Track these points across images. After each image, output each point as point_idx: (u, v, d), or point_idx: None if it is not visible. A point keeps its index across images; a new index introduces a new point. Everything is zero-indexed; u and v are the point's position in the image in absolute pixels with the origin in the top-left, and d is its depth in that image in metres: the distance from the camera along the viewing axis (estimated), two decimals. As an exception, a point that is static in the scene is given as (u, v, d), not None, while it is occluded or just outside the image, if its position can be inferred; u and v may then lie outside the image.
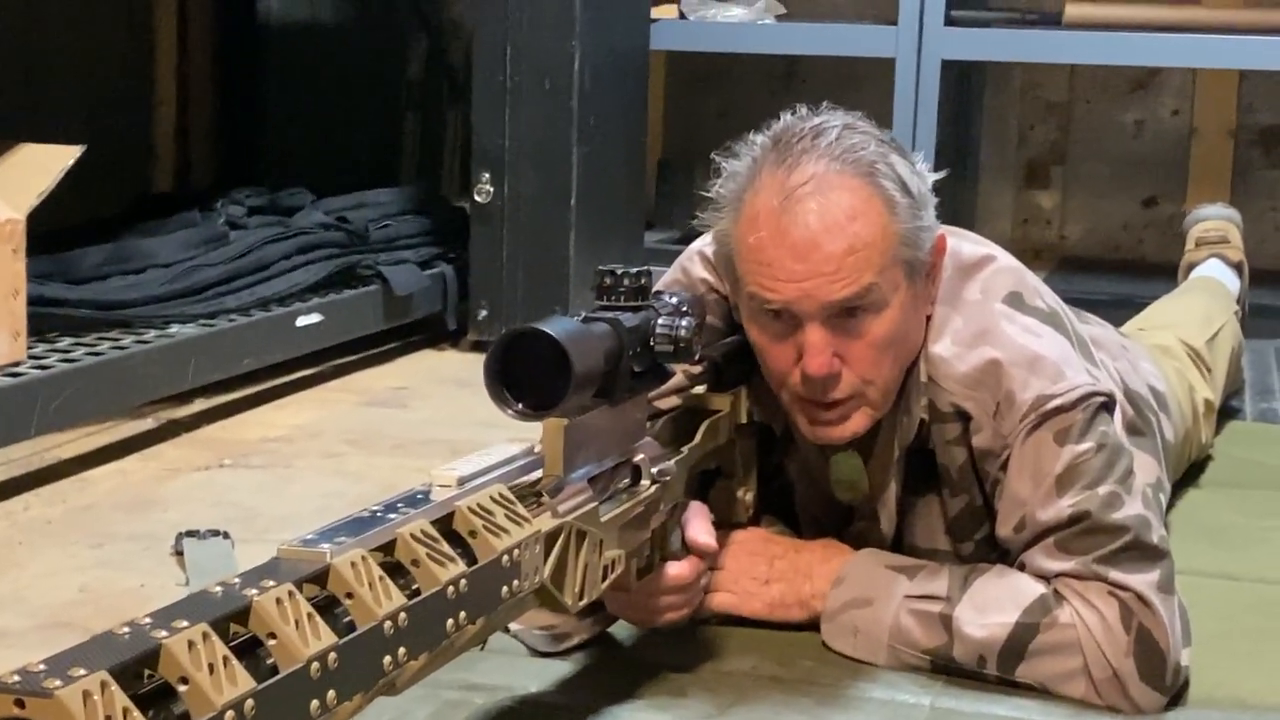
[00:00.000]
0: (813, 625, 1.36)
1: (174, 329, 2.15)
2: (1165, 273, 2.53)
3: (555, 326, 1.06)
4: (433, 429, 2.19)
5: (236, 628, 0.74)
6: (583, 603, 1.11)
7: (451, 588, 0.88)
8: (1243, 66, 3.16)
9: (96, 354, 1.99)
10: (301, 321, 2.33)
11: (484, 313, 2.59)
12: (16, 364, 1.89)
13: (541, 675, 1.31)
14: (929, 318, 1.34)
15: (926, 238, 1.26)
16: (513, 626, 1.27)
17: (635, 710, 1.27)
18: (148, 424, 2.15)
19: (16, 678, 0.65)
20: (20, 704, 0.65)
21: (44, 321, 2.03)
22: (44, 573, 1.64)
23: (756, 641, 1.38)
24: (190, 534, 1.70)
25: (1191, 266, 2.32)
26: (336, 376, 2.50)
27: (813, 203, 1.21)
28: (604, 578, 1.14)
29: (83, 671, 0.65)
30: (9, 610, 1.53)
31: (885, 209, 1.22)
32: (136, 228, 2.37)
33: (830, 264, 1.20)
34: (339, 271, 2.46)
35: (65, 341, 2.02)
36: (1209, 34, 2.94)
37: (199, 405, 2.21)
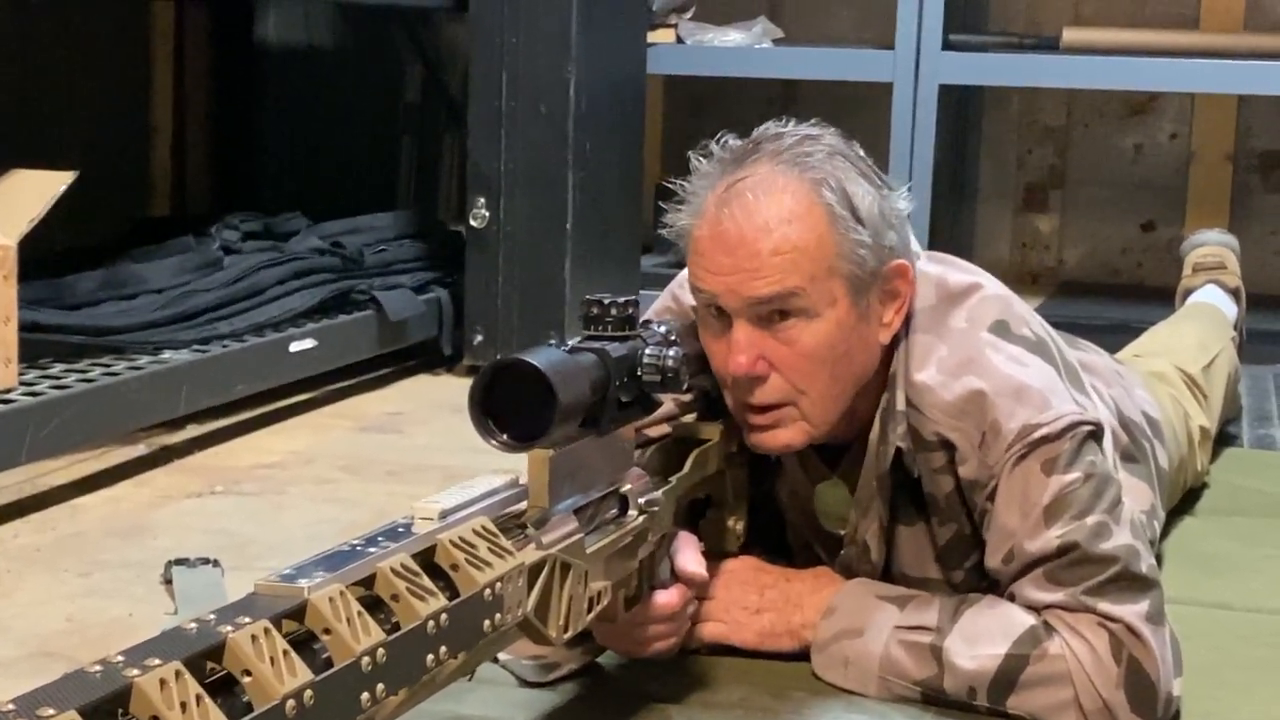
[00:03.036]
0: (804, 655, 1.35)
1: (167, 355, 2.14)
2: (1163, 297, 2.52)
3: (540, 357, 1.06)
4: (427, 455, 2.19)
5: (212, 665, 0.73)
6: (567, 635, 1.10)
7: (432, 623, 0.88)
8: (1241, 91, 3.17)
9: (88, 380, 1.98)
10: (295, 347, 2.32)
11: (479, 338, 2.59)
12: (8, 391, 1.88)
13: (530, 707, 1.29)
14: (907, 345, 1.34)
15: (871, 257, 1.25)
16: (501, 656, 1.26)
17: None
18: (140, 450, 2.14)
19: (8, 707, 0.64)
20: None
21: (36, 347, 2.02)
22: (31, 601, 1.63)
23: (748, 672, 1.36)
24: (180, 562, 1.69)
25: (1188, 292, 2.32)
26: (330, 402, 2.50)
27: (748, 199, 1.22)
28: (590, 609, 1.13)
29: (51, 712, 0.64)
30: None
31: (825, 218, 1.22)
32: (130, 253, 2.37)
33: (754, 260, 1.21)
34: (333, 297, 2.46)
35: (57, 368, 2.01)
36: (1207, 59, 2.95)
37: (191, 431, 2.21)
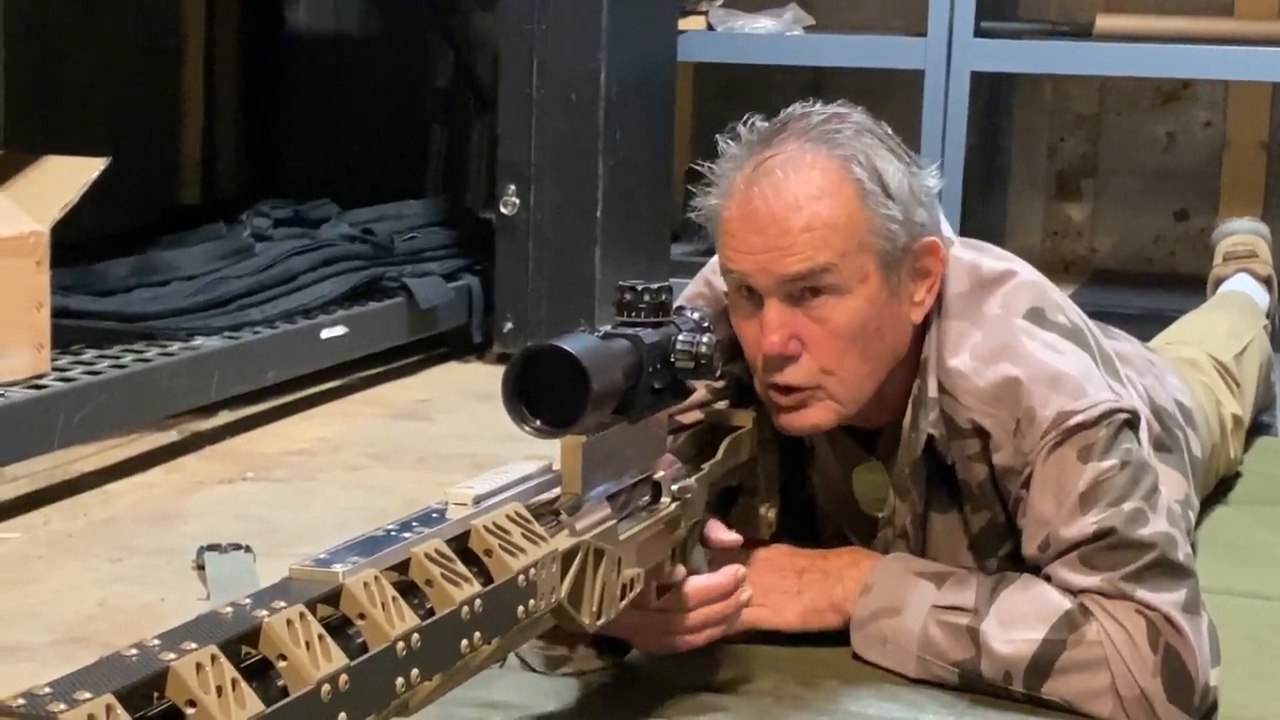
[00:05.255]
0: (838, 639, 1.34)
1: (198, 341, 2.15)
2: (1197, 286, 2.52)
3: (574, 343, 1.05)
4: (457, 443, 2.19)
5: (247, 649, 0.73)
6: (600, 622, 1.09)
7: (466, 608, 0.88)
8: (1276, 79, 3.14)
9: (120, 366, 2.00)
10: (326, 334, 2.33)
11: (509, 325, 2.59)
12: (40, 376, 1.90)
13: (560, 695, 1.29)
14: (939, 332, 1.33)
15: (902, 232, 1.25)
16: (521, 654, 1.28)
17: None
18: (171, 436, 2.15)
19: (21, 701, 0.64)
20: None
21: (68, 334, 2.04)
22: (62, 587, 1.64)
23: (780, 660, 1.36)
24: (211, 548, 1.69)
25: (1220, 281, 2.30)
26: (360, 389, 2.49)
27: (778, 177, 1.22)
28: (622, 596, 1.13)
29: (88, 695, 0.64)
30: (26, 625, 1.54)
31: (855, 194, 1.22)
32: (162, 240, 2.40)
33: (786, 238, 1.21)
34: (364, 284, 2.46)
35: (90, 354, 2.02)
36: (1242, 46, 2.93)
37: (223, 418, 2.21)
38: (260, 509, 1.90)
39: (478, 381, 2.56)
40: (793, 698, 1.32)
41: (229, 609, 0.76)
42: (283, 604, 0.75)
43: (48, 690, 0.64)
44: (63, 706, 0.62)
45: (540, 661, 1.32)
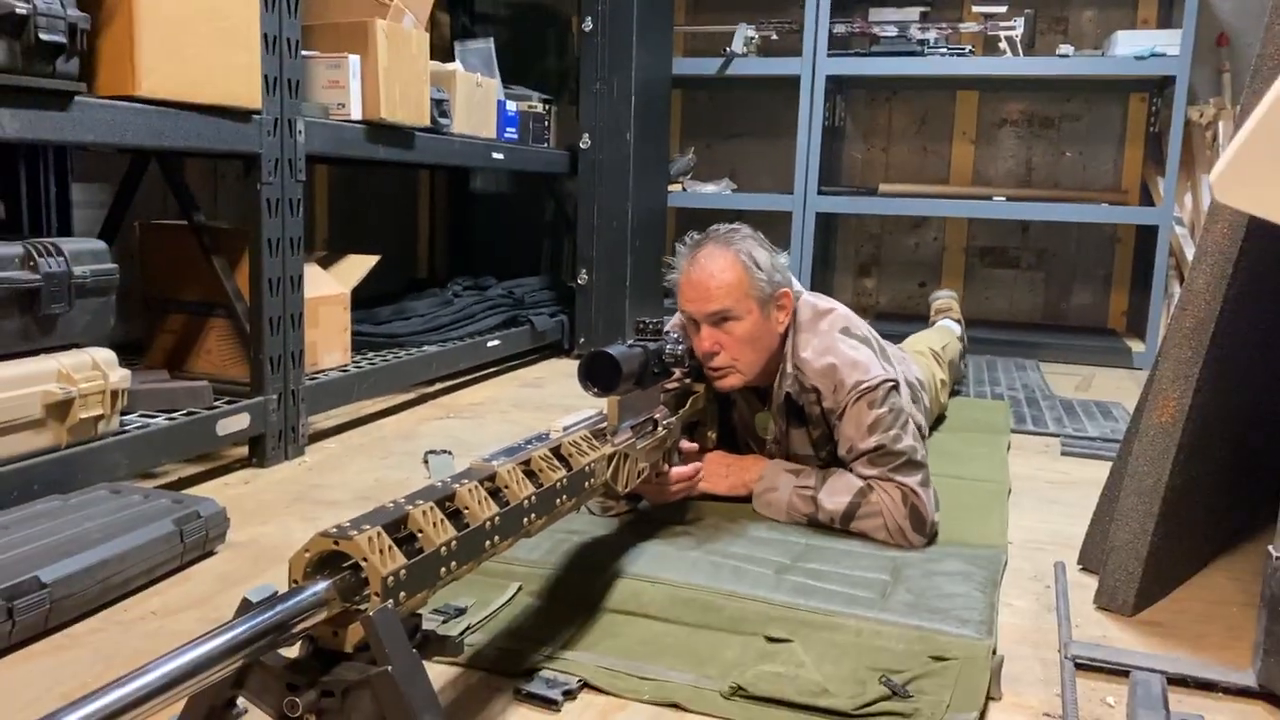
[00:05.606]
0: (747, 499, 1.72)
1: (426, 348, 2.74)
2: (923, 320, 3.31)
3: (614, 349, 1.39)
4: (556, 400, 2.75)
5: (447, 503, 0.96)
6: (626, 490, 1.37)
7: (559, 483, 1.13)
8: (970, 215, 3.91)
9: (385, 360, 2.52)
10: (490, 344, 3.00)
11: (582, 340, 3.40)
12: (344, 366, 2.42)
13: (607, 525, 1.66)
14: (795, 338, 1.63)
15: (768, 287, 1.59)
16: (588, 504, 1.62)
17: (653, 541, 1.60)
18: (411, 395, 2.76)
19: (334, 529, 0.83)
20: (335, 542, 0.84)
21: (359, 344, 2.60)
22: (356, 471, 2.01)
23: (716, 509, 1.74)
24: (432, 452, 2.06)
25: (934, 323, 3.05)
26: (507, 373, 3.19)
27: (702, 263, 1.59)
28: (639, 477, 1.42)
29: (367, 526, 0.84)
30: (338, 491, 1.88)
31: (742, 269, 1.57)
32: (406, 296, 3.10)
33: (707, 294, 1.57)
34: (509, 319, 3.19)
35: (370, 354, 2.59)
36: (952, 200, 3.90)
37: (438, 387, 2.87)
38: (457, 433, 2.36)
39: (567, 369, 3.27)
40: (727, 519, 1.70)
41: (439, 483, 0.97)
42: (466, 481, 1.00)
43: (348, 524, 0.84)
44: (354, 531, 0.84)
45: (597, 509, 1.67)
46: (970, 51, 3.78)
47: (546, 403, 2.68)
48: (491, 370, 3.20)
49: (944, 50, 3.76)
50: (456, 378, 2.99)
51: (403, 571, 0.88)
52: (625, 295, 3.42)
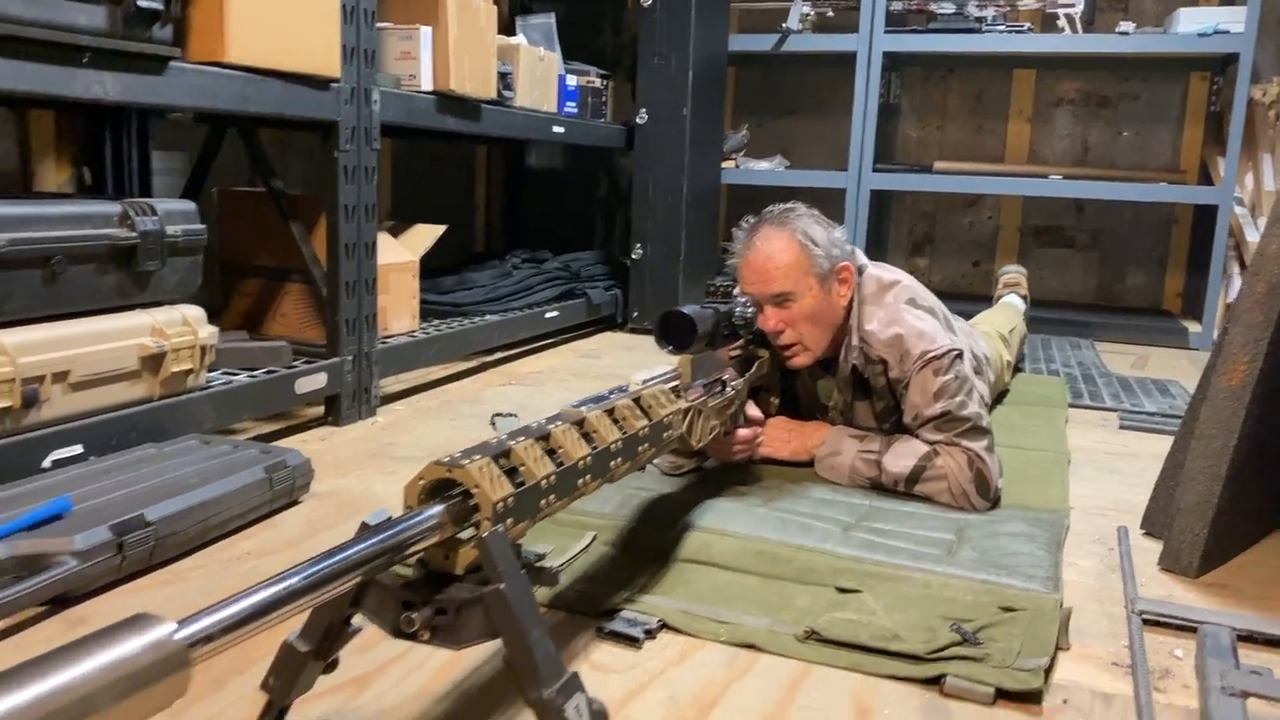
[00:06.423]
0: (809, 464, 1.75)
1: (488, 317, 2.80)
2: (983, 302, 3.42)
3: (689, 309, 1.44)
4: (611, 369, 2.85)
5: (543, 442, 1.01)
6: (698, 445, 1.42)
7: (641, 431, 1.17)
8: (1025, 193, 3.91)
9: (450, 328, 2.60)
10: (548, 315, 3.07)
11: (635, 314, 3.50)
12: (413, 332, 2.49)
13: (673, 484, 1.73)
14: (860, 311, 1.65)
15: (826, 263, 1.61)
16: (655, 462, 1.69)
17: (719, 499, 1.64)
18: (473, 364, 2.87)
19: (446, 458, 0.88)
20: (449, 470, 0.89)
21: (426, 312, 2.66)
22: (427, 433, 2.11)
23: (779, 472, 1.78)
24: (499, 414, 2.18)
25: (1000, 296, 3.14)
26: (565, 343, 3.28)
27: (759, 245, 1.61)
28: (709, 434, 1.45)
29: (477, 456, 0.90)
30: (412, 448, 2.00)
31: (800, 249, 1.60)
32: (468, 268, 3.16)
33: (766, 276, 1.61)
34: (565, 292, 3.26)
35: (435, 322, 2.65)
36: (1006, 177, 3.87)
37: (497, 356, 2.97)
38: (519, 398, 2.46)
39: (621, 340, 3.39)
40: (792, 481, 1.74)
41: (534, 423, 1.03)
42: (560, 423, 1.05)
43: (460, 454, 0.90)
44: (465, 461, 0.89)
45: (666, 467, 1.74)
46: (1029, 29, 3.77)
47: (603, 373, 2.75)
48: (549, 341, 3.27)
49: (1002, 27, 3.75)
50: (515, 347, 3.07)
51: (510, 499, 0.92)
52: (679, 270, 3.46)
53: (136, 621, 0.61)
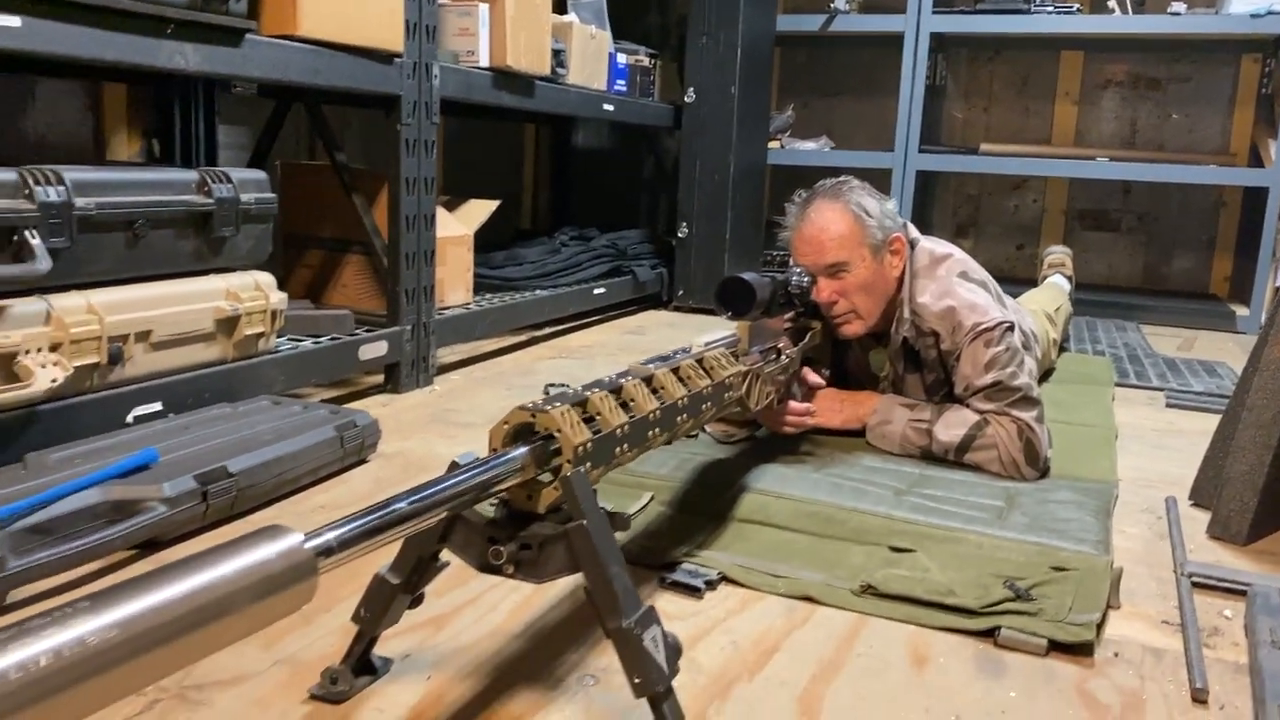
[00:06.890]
0: (861, 433, 1.78)
1: (538, 292, 2.88)
2: (1028, 283, 3.42)
3: (748, 275, 1.46)
4: (656, 345, 2.90)
5: (616, 395, 1.06)
6: (756, 409, 1.46)
7: (704, 390, 1.22)
8: (1071, 175, 3.92)
9: (503, 301, 2.67)
10: (596, 292, 3.15)
11: (680, 292, 3.54)
12: (467, 304, 2.56)
13: (725, 450, 1.78)
14: (913, 284, 1.66)
15: (879, 234, 1.64)
16: (707, 429, 1.71)
17: (772, 465, 1.69)
18: (524, 337, 2.95)
19: (530, 404, 0.95)
20: (533, 415, 0.95)
21: (479, 286, 2.74)
22: (484, 401, 2.18)
23: (830, 441, 1.82)
24: (552, 385, 2.21)
25: (1045, 277, 3.20)
26: (612, 320, 3.36)
27: (813, 217, 1.64)
28: (764, 399, 1.49)
29: (558, 404, 0.96)
30: (469, 415, 2.06)
31: (852, 219, 1.63)
32: (517, 244, 3.23)
33: (820, 248, 1.63)
34: (612, 270, 3.31)
35: (488, 296, 2.73)
36: (1052, 159, 3.87)
37: (546, 330, 3.07)
38: (569, 370, 2.55)
39: (666, 318, 3.44)
40: (844, 450, 1.79)
41: (607, 378, 1.09)
42: (631, 377, 1.09)
43: (541, 401, 0.96)
44: (547, 408, 0.95)
45: (719, 435, 1.78)
46: (1077, 10, 3.77)
47: (649, 348, 2.79)
48: (596, 318, 3.35)
49: (1050, 8, 3.74)
50: (564, 322, 3.14)
51: (589, 443, 0.97)
52: (724, 249, 3.48)
53: (270, 531, 0.66)
